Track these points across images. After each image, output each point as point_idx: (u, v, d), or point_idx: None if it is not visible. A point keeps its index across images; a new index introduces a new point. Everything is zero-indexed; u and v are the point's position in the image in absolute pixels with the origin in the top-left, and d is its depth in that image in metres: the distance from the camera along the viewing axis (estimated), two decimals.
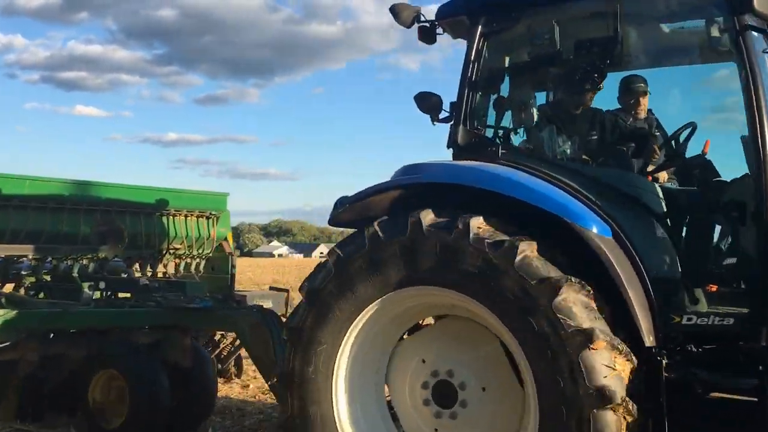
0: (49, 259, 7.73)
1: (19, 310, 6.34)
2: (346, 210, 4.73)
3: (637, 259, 4.11)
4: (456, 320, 4.73)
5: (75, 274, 8.04)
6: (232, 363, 8.66)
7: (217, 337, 8.51)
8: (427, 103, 4.99)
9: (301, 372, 4.63)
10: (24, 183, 7.28)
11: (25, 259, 7.69)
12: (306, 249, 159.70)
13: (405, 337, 4.89)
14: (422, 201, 4.40)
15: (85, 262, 8.19)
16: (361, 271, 4.42)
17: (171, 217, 8.73)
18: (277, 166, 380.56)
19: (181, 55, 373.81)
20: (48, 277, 7.77)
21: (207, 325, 6.98)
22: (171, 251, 8.78)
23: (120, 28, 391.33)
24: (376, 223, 4.37)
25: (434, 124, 4.97)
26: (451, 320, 4.80)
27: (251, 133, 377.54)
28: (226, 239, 9.43)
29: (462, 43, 5.00)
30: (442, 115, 5.00)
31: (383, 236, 4.32)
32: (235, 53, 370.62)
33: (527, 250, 3.99)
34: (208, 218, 9.12)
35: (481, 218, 4.13)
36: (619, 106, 5.39)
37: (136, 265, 8.42)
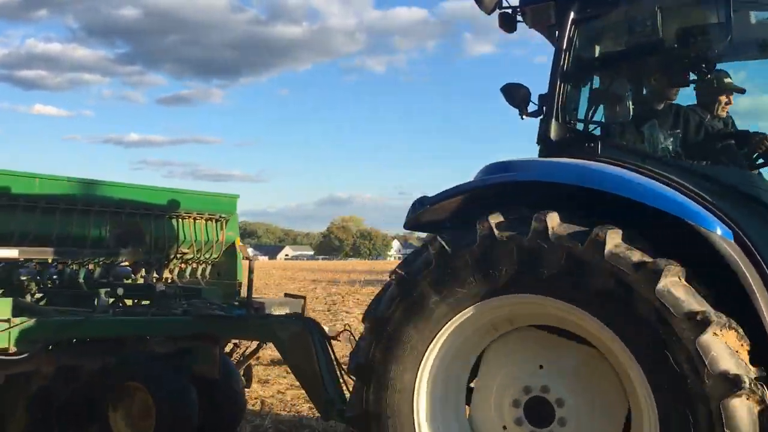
0: (54, 263, 7.26)
1: (37, 319, 5.84)
2: (426, 211, 4.36)
3: (763, 264, 3.82)
4: (538, 330, 4.39)
5: (81, 280, 7.60)
6: (242, 373, 8.26)
7: (229, 347, 8.10)
8: (516, 95, 4.65)
9: (377, 415, 4.25)
10: (33, 182, 6.76)
11: (29, 263, 7.21)
12: (271, 251, 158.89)
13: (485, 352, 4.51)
14: (511, 201, 4.08)
15: (91, 266, 7.72)
16: (465, 270, 4.03)
17: (180, 219, 8.29)
18: (241, 167, 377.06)
19: (144, 54, 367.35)
20: (49, 283, 7.28)
21: (240, 335, 6.52)
22: (178, 256, 8.34)
23: (81, 26, 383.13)
24: (492, 222, 3.96)
25: (522, 119, 4.65)
26: (533, 330, 4.45)
27: (216, 134, 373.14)
28: (234, 243, 9.03)
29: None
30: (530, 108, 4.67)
31: (502, 236, 3.92)
32: (200, 53, 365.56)
33: (672, 274, 3.63)
34: (217, 221, 8.70)
35: (619, 232, 3.76)
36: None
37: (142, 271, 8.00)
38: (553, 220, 3.81)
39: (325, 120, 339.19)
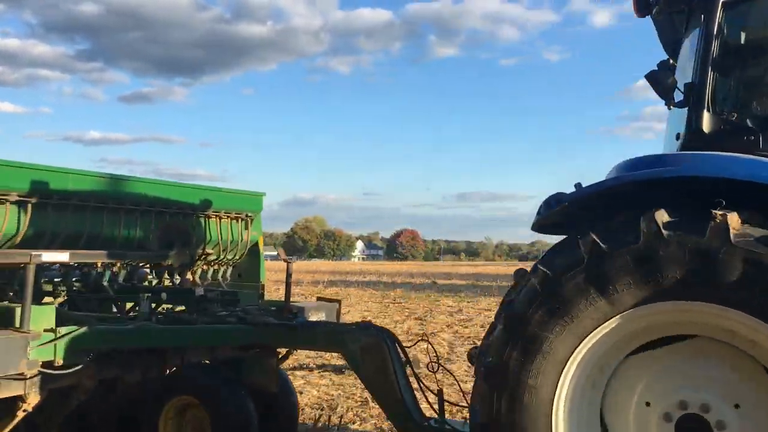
0: (76, 265, 6.71)
1: (87, 327, 5.29)
2: (558, 211, 3.96)
3: None
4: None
5: (105, 283, 7.04)
6: None
7: None
8: (663, 83, 4.26)
9: (510, 425, 3.84)
10: (67, 177, 6.18)
11: (54, 267, 6.64)
12: None
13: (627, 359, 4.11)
14: (657, 201, 3.71)
15: (116, 269, 7.16)
16: (622, 271, 3.63)
17: (207, 218, 7.78)
18: (205, 167, 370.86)
19: (105, 51, 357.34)
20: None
21: (305, 345, 6.02)
22: (203, 257, 7.82)
23: (40, 21, 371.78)
24: (659, 219, 3.58)
25: (670, 109, 4.28)
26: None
27: (178, 133, 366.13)
28: (256, 243, 8.54)
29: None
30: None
31: (670, 235, 3.53)
32: (162, 51, 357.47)
33: None
34: (243, 220, 8.20)
35: None
36: None
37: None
38: (733, 219, 3.45)
39: (290, 120, 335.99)
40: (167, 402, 5.67)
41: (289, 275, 7.40)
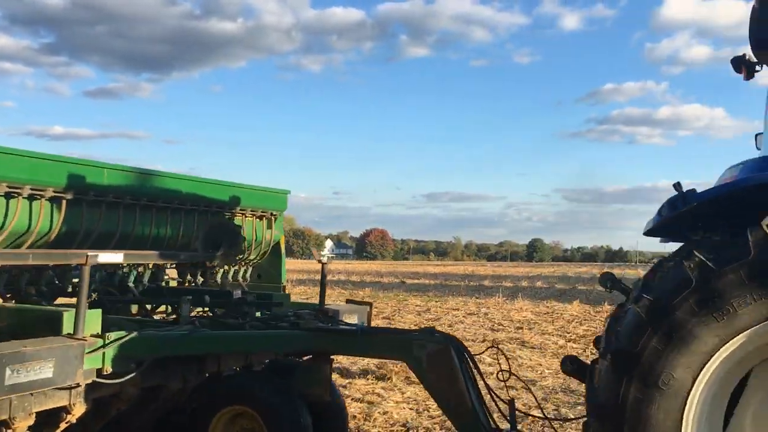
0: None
1: (137, 333, 4.95)
2: (685, 212, 3.69)
3: None
4: None
5: (131, 284, 6.68)
6: None
7: None
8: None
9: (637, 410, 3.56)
10: (102, 172, 5.81)
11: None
12: None
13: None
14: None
15: (140, 270, 6.80)
16: (736, 289, 3.40)
17: (233, 216, 7.45)
18: (171, 163, 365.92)
19: (70, 45, 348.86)
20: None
21: (365, 353, 5.68)
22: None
23: (4, 13, 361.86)
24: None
25: None
26: None
27: (144, 129, 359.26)
28: (278, 243, 8.22)
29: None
30: None
31: None
32: (130, 46, 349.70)
33: None
34: (266, 219, 7.87)
35: None
36: None
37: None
38: None
39: (259, 118, 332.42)
40: (219, 411, 5.32)
41: (324, 276, 7.12)
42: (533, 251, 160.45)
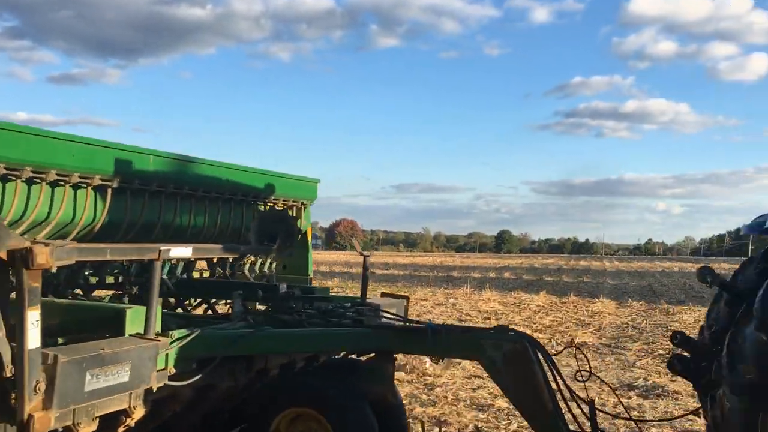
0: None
1: (201, 332, 4.64)
2: None
3: None
4: None
5: (165, 277, 6.33)
6: None
7: None
8: None
9: None
10: (148, 159, 5.46)
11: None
12: None
13: None
14: None
15: (174, 261, 6.46)
16: None
17: (263, 206, 7.14)
18: None
19: (33, 29, 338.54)
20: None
21: (436, 352, 5.38)
22: None
23: None
24: None
25: None
26: None
27: (112, 116, 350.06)
28: (305, 234, 7.92)
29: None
30: None
31: None
32: (96, 31, 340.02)
33: None
34: (297, 208, 7.58)
35: None
36: None
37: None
38: None
39: (229, 106, 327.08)
40: (281, 412, 5.02)
41: (366, 269, 6.85)
42: (501, 243, 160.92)
